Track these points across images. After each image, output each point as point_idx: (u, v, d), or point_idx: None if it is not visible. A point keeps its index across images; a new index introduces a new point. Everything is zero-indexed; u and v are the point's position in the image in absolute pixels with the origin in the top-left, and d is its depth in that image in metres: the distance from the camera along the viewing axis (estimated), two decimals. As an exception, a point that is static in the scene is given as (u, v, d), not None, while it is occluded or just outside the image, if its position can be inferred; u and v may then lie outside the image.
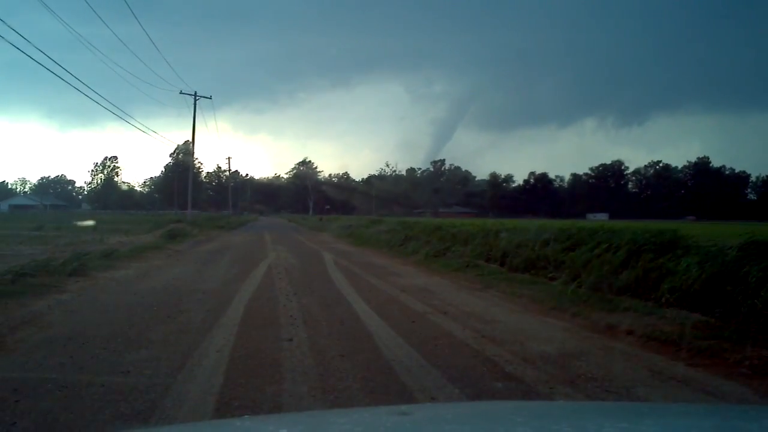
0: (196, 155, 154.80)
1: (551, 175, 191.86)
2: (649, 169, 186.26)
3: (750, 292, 10.58)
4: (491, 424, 2.26)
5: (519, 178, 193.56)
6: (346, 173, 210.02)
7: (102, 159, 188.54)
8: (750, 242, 13.02)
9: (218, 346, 8.62)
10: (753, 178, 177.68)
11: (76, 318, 10.81)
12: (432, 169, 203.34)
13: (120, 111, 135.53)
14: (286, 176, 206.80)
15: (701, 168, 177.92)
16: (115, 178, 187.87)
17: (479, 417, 2.45)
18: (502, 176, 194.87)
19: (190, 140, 68.12)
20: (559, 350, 8.65)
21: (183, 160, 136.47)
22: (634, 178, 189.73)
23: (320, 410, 5.58)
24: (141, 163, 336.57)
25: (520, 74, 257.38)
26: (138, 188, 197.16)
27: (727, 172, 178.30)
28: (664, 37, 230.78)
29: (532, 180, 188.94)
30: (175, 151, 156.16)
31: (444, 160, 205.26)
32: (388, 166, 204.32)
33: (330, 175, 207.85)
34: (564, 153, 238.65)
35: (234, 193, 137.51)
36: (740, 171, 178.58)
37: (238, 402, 6.10)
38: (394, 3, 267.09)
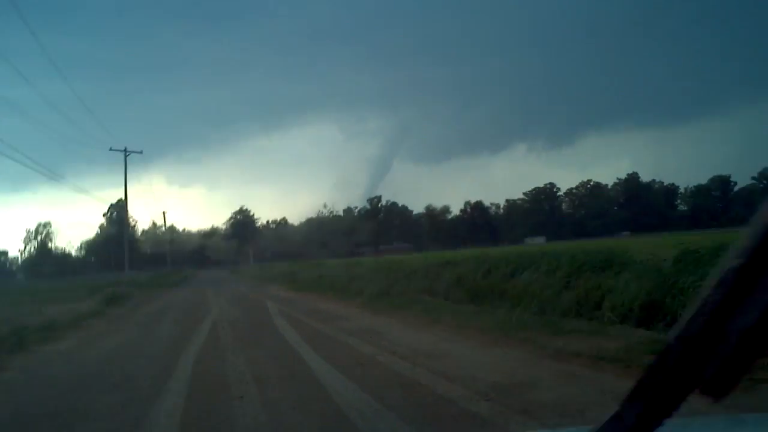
0: (130, 213, 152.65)
1: (486, 203, 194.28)
2: (581, 188, 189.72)
3: (688, 302, 10.80)
4: None
5: (456, 208, 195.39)
6: (284, 218, 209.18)
7: (35, 225, 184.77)
8: (683, 254, 13.34)
9: (168, 411, 8.42)
10: (682, 190, 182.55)
11: (18, 397, 10.44)
12: (369, 207, 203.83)
13: (49, 172, 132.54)
14: (223, 226, 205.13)
15: (631, 183, 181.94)
16: (49, 244, 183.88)
17: None
18: (439, 208, 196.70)
19: (123, 198, 67.09)
20: (511, 380, 8.68)
21: (117, 219, 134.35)
22: (567, 199, 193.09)
23: None
24: (76, 225, 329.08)
25: (452, 105, 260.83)
26: (74, 252, 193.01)
27: (656, 186, 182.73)
28: (589, 57, 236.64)
29: (468, 209, 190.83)
30: (108, 211, 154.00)
31: (380, 196, 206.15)
32: (325, 207, 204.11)
33: (268, 221, 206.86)
34: (498, 180, 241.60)
35: (172, 249, 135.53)
36: (669, 184, 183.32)
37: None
38: (323, 44, 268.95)
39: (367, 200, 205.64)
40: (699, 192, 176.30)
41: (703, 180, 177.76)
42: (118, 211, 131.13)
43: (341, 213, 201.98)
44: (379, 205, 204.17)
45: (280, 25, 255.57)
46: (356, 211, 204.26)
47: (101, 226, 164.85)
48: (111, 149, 60.95)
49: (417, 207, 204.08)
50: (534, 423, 6.51)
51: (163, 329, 19.87)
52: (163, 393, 9.68)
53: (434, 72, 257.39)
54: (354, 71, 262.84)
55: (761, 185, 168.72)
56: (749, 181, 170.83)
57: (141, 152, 65.37)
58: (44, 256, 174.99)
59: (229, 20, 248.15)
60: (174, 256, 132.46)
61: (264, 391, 9.22)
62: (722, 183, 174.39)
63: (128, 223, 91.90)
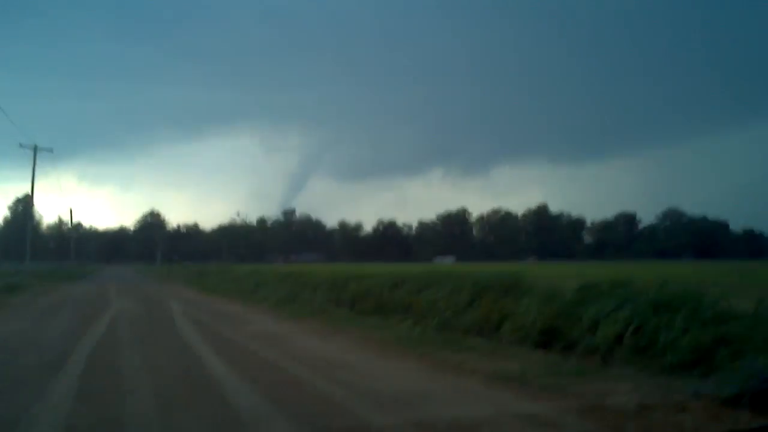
0: (37, 207, 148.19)
1: (400, 222, 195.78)
2: (492, 216, 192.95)
3: (587, 329, 11.10)
4: None
5: (369, 226, 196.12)
6: (195, 223, 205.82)
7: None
8: (585, 286, 13.70)
9: (55, 403, 8.16)
10: (589, 223, 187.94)
11: None
12: (283, 219, 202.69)
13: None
14: (133, 226, 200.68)
15: (541, 214, 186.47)
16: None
17: None
18: (352, 224, 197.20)
19: (30, 192, 65.12)
20: (408, 391, 8.71)
21: (21, 212, 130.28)
22: (478, 224, 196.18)
23: None
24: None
25: (373, 127, 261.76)
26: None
27: (564, 218, 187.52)
28: (509, 91, 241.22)
29: (381, 227, 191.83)
30: (13, 204, 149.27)
31: (295, 209, 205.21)
32: (238, 215, 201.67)
33: (179, 225, 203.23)
34: (413, 201, 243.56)
35: (78, 245, 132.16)
36: (577, 216, 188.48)
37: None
38: (249, 57, 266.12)
39: (282, 212, 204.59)
40: (605, 226, 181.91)
41: (610, 215, 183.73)
42: (24, 204, 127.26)
43: (254, 222, 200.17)
44: (294, 218, 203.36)
45: (204, 34, 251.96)
46: (270, 221, 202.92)
47: (5, 218, 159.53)
48: (21, 145, 59.25)
49: (331, 221, 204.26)
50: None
51: (60, 322, 19.31)
52: (53, 384, 9.39)
53: (356, 92, 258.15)
54: (278, 86, 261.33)
55: (664, 224, 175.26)
56: (653, 220, 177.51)
57: (51, 150, 63.95)
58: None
59: (152, 23, 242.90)
60: (80, 251, 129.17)
61: (158, 390, 9.04)
62: (627, 220, 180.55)
63: (33, 216, 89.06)
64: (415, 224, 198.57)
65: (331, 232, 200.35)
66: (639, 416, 6.83)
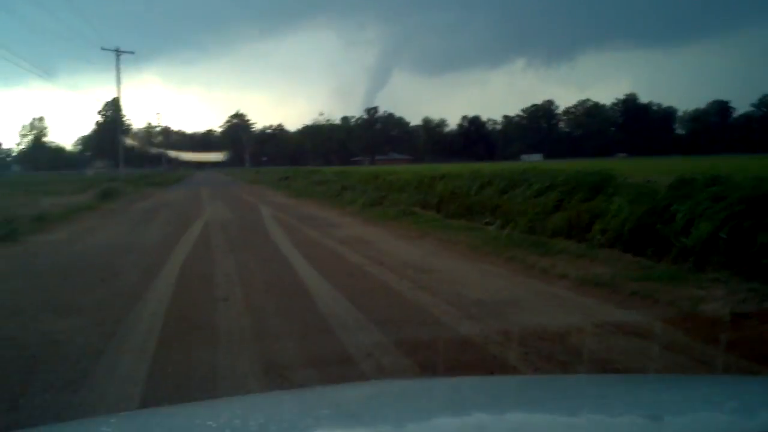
0: (125, 112, 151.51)
1: (484, 118, 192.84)
2: (579, 107, 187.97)
3: (680, 230, 10.78)
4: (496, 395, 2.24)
5: (453, 123, 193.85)
6: (280, 125, 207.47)
7: (30, 120, 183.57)
8: (678, 181, 13.27)
9: (153, 309, 8.47)
10: (680, 113, 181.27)
11: (4, 286, 10.53)
12: (366, 117, 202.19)
13: (40, 71, 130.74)
14: (219, 129, 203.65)
15: (630, 105, 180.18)
16: (44, 139, 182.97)
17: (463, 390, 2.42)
18: (436, 121, 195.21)
19: (117, 97, 66.62)
20: (494, 298, 8.71)
21: (111, 117, 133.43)
22: (565, 117, 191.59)
23: (267, 392, 5.47)
24: (70, 121, 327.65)
25: (452, 15, 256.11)
26: (69, 147, 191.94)
27: (655, 108, 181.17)
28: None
29: (465, 124, 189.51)
30: (103, 109, 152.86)
31: (377, 107, 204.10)
32: (321, 115, 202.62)
33: (264, 127, 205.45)
34: (496, 95, 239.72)
35: (167, 149, 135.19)
36: (668, 106, 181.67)
37: (171, 368, 6.00)
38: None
39: (365, 110, 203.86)
40: (697, 116, 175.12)
41: (702, 104, 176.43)
42: (113, 109, 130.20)
43: (338, 121, 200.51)
44: (376, 116, 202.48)
45: None
46: (353, 120, 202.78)
47: (98, 123, 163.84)
48: (102, 49, 60.31)
49: (414, 119, 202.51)
50: (513, 344, 6.54)
51: (155, 227, 19.94)
52: (150, 291, 9.75)
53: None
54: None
55: (760, 112, 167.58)
56: (748, 108, 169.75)
57: (133, 53, 65.18)
58: (39, 150, 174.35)
59: None
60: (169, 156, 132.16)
61: (249, 295, 9.28)
62: (721, 108, 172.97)
63: (122, 122, 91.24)
64: (500, 119, 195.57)
65: (415, 130, 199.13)
66: (733, 325, 6.67)
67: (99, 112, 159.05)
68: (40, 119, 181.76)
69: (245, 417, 2.01)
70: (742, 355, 5.90)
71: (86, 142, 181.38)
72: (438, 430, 1.84)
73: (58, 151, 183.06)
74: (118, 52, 60.44)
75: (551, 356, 6.07)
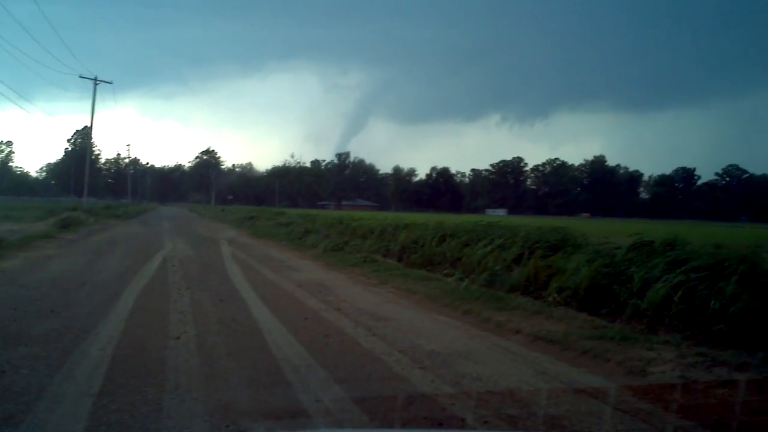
0: (95, 142, 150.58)
1: (453, 170, 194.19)
2: (546, 166, 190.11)
3: (635, 292, 10.89)
4: None
5: (423, 173, 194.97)
6: (250, 163, 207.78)
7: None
8: (638, 243, 13.43)
9: (102, 344, 8.36)
10: (646, 177, 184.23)
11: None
12: (337, 162, 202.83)
13: (15, 95, 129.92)
14: (188, 165, 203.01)
15: (597, 166, 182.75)
16: (10, 163, 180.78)
17: None
18: (405, 170, 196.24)
19: (89, 125, 66.37)
20: (448, 349, 8.70)
21: (81, 145, 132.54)
22: (532, 175, 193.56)
23: None
24: (38, 148, 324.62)
25: (434, 69, 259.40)
26: (34, 174, 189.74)
27: (621, 171, 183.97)
28: (572, 34, 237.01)
29: (434, 174, 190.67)
30: (73, 137, 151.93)
31: (349, 152, 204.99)
32: (292, 157, 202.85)
33: (234, 165, 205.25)
34: (468, 148, 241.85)
35: (134, 181, 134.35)
36: (634, 170, 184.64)
37: (116, 405, 5.90)
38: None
39: (336, 155, 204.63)
40: (662, 181, 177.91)
41: (668, 170, 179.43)
42: (83, 138, 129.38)
43: (308, 164, 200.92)
44: (347, 161, 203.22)
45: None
46: (324, 164, 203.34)
47: (66, 151, 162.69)
48: (81, 77, 60.22)
49: (384, 167, 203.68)
50: (462, 396, 6.52)
51: (113, 260, 19.70)
52: (101, 325, 9.63)
53: (421, 33, 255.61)
54: (344, 21, 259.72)
55: (723, 181, 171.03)
56: (712, 177, 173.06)
57: (111, 83, 65.01)
58: (4, 173, 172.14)
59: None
60: (134, 188, 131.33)
61: (202, 335, 9.18)
62: (686, 175, 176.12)
63: (91, 151, 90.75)
64: (468, 172, 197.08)
65: (384, 178, 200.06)
66: (681, 389, 6.72)
67: (68, 140, 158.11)
68: (8, 143, 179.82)
69: None
70: (690, 420, 5.94)
71: (52, 169, 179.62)
72: None
73: (23, 176, 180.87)
74: (95, 81, 60.33)
75: (501, 410, 6.06)
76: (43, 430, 5.30)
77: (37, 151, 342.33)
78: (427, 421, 5.76)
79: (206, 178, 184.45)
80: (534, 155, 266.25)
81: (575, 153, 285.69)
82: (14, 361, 7.29)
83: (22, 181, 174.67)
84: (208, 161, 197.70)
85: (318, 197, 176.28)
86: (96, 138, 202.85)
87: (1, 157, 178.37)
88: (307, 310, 11.71)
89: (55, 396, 6.14)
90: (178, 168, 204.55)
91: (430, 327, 10.48)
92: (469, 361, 8.05)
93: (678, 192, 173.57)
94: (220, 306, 11.83)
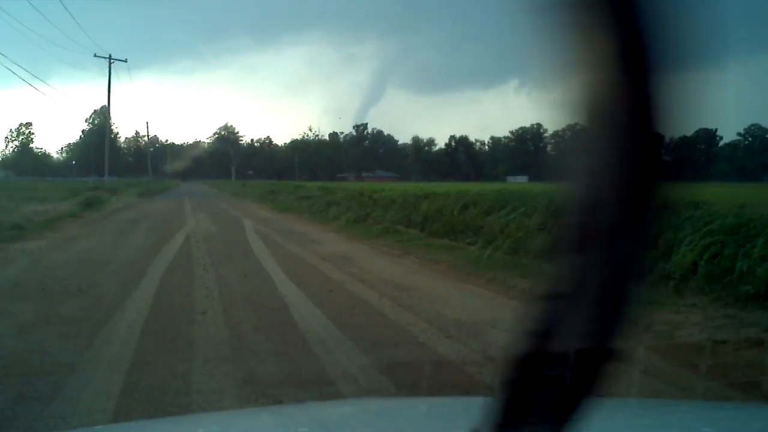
0: (114, 120, 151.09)
1: (472, 138, 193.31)
2: (566, 131, 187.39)
3: (661, 256, 10.81)
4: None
5: (442, 142, 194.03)
6: (268, 137, 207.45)
7: (17, 125, 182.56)
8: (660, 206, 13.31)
9: (129, 322, 8.42)
10: (666, 140, 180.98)
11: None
12: (355, 134, 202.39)
13: (32, 76, 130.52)
14: (207, 141, 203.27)
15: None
16: (30, 145, 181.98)
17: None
18: (424, 140, 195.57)
19: (106, 105, 66.53)
20: (474, 318, 8.71)
21: (99, 125, 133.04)
22: (553, 140, 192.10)
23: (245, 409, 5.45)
24: (58, 128, 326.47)
25: (451, 34, 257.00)
26: (55, 155, 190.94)
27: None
28: None
29: (453, 143, 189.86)
30: (91, 116, 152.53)
31: (366, 124, 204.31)
32: (311, 130, 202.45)
33: (252, 140, 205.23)
34: (487, 116, 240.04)
35: (154, 159, 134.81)
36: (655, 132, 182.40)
37: (146, 381, 5.96)
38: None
39: (354, 127, 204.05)
40: (684, 143, 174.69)
41: (689, 132, 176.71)
42: (101, 117, 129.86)
43: (327, 137, 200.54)
44: (365, 133, 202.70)
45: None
46: (342, 136, 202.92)
47: (84, 131, 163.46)
48: (95, 55, 60.29)
49: (403, 138, 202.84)
50: (491, 365, 6.53)
51: (137, 238, 19.84)
52: (127, 302, 9.69)
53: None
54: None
55: (746, 142, 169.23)
56: (734, 137, 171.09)
57: (125, 61, 64.68)
58: (25, 156, 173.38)
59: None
60: (155, 165, 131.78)
61: (229, 310, 9.23)
62: (708, 136, 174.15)
63: (110, 130, 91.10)
64: (488, 140, 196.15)
65: (404, 149, 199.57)
66: (709, 350, 6.69)
67: (86, 120, 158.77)
68: (27, 125, 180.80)
69: None
70: (718, 381, 5.92)
71: (72, 150, 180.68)
72: None
73: (44, 157, 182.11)
74: (110, 59, 60.43)
75: (528, 378, 6.05)
76: (74, 407, 5.36)
77: (56, 132, 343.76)
78: (455, 389, 5.78)
79: (225, 153, 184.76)
80: (556, 120, 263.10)
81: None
82: (44, 341, 7.37)
83: (43, 162, 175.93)
84: (227, 137, 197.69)
85: (337, 170, 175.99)
86: (114, 117, 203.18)
87: (21, 139, 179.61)
88: (331, 283, 11.74)
89: (85, 374, 6.21)
90: (197, 144, 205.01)
91: (455, 296, 10.50)
92: (496, 329, 8.05)
93: (700, 153, 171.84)
94: (245, 281, 11.89)
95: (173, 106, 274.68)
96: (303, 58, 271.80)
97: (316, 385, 6.00)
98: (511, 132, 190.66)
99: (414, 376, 6.16)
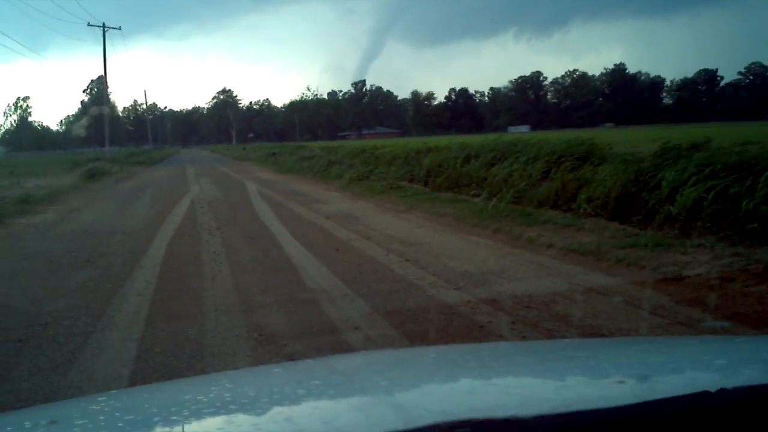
0: (111, 89, 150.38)
1: (472, 90, 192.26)
2: (566, 78, 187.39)
3: (665, 198, 10.83)
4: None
5: (441, 95, 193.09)
6: (267, 100, 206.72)
7: (15, 99, 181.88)
8: (665, 148, 13.28)
9: (139, 290, 8.44)
10: (668, 82, 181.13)
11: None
12: (354, 91, 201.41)
13: (28, 49, 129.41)
14: (206, 106, 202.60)
15: (617, 75, 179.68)
16: (30, 118, 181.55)
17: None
18: (424, 94, 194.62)
19: (103, 75, 66.21)
20: (481, 268, 8.73)
21: (98, 95, 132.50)
22: (552, 88, 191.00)
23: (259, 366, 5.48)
24: (56, 100, 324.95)
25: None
26: (54, 127, 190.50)
27: (642, 77, 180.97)
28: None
29: (452, 96, 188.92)
30: (88, 87, 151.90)
31: (365, 80, 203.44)
32: (309, 90, 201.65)
33: (251, 102, 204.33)
34: (485, 67, 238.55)
35: (153, 127, 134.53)
36: (655, 76, 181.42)
37: (159, 348, 5.99)
38: None
39: (352, 84, 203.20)
40: (685, 85, 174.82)
41: (690, 73, 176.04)
42: (99, 88, 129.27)
43: (326, 96, 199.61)
44: (364, 89, 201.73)
45: None
46: (341, 95, 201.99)
47: (82, 102, 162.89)
48: (89, 24, 59.84)
49: (402, 93, 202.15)
50: (500, 314, 6.57)
51: (141, 206, 19.85)
52: (136, 270, 9.71)
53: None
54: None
55: (747, 80, 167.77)
56: (735, 77, 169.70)
57: (119, 28, 64.42)
58: (24, 130, 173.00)
59: None
60: (155, 133, 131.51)
61: (236, 274, 9.26)
62: (708, 77, 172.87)
63: (108, 100, 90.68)
64: (487, 91, 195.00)
65: (403, 104, 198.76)
66: (717, 289, 6.71)
67: (84, 91, 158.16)
68: (25, 99, 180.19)
69: (235, 390, 2.01)
70: (726, 317, 5.96)
71: (71, 122, 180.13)
72: (429, 396, 1.84)
73: (44, 131, 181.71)
74: (104, 28, 60.04)
75: (538, 324, 6.11)
76: (90, 377, 5.40)
77: (55, 104, 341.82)
78: (466, 338, 5.81)
79: (225, 118, 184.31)
80: (555, 68, 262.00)
81: (597, 62, 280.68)
82: (56, 313, 7.39)
83: (43, 135, 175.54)
84: (226, 101, 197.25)
85: (338, 128, 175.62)
86: (112, 86, 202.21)
87: (20, 113, 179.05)
88: (338, 242, 11.75)
89: (99, 343, 6.24)
90: (197, 110, 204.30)
91: (461, 248, 10.51)
92: (503, 279, 8.07)
93: (701, 95, 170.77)
94: (251, 244, 11.90)
95: (171, 72, 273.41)
96: (300, 17, 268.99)
97: (328, 339, 6.06)
98: (511, 81, 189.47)
99: (424, 328, 6.20)
